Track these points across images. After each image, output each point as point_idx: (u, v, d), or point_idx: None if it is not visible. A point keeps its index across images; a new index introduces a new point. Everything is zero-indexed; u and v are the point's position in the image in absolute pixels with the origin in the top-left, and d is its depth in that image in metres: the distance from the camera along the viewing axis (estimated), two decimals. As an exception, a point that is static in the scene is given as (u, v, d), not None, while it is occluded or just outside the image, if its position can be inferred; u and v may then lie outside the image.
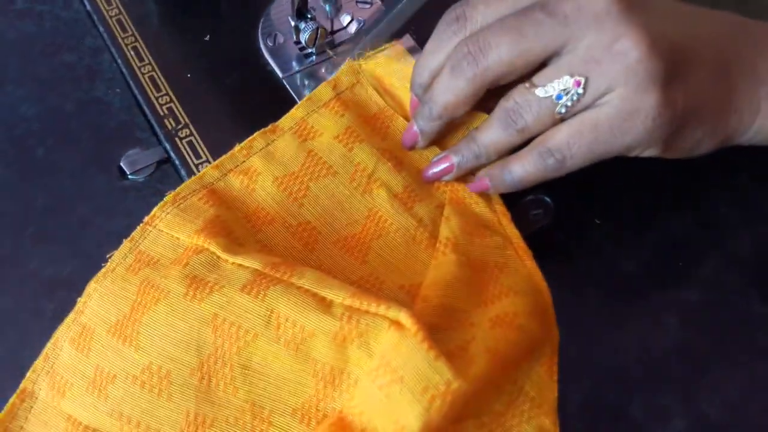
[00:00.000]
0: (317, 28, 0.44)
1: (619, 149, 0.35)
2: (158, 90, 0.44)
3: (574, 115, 0.35)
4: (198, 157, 0.41)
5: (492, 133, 0.36)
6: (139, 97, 0.44)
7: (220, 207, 0.37)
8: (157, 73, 0.45)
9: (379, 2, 0.49)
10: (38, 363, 0.35)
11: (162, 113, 0.43)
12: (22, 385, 0.35)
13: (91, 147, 0.42)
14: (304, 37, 0.44)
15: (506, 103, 0.36)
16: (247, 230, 0.37)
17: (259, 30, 0.47)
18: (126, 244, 0.37)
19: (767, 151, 0.41)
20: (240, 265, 0.34)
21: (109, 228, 0.40)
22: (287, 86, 0.45)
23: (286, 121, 0.40)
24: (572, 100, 0.34)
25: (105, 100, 0.44)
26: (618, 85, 0.33)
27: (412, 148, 0.40)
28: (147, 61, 0.45)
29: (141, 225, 0.37)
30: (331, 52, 0.46)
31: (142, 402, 0.33)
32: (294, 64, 0.46)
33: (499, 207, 0.39)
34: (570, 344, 0.36)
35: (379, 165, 0.39)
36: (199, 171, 0.41)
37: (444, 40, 0.37)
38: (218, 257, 0.35)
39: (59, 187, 0.41)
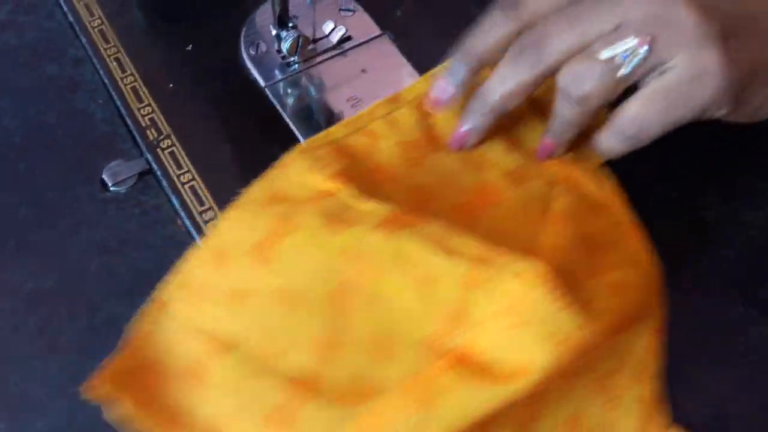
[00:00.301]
0: (298, 37, 0.44)
1: (693, 112, 0.35)
2: (140, 101, 0.44)
3: (639, 79, 0.35)
4: (180, 167, 0.41)
5: (562, 119, 0.37)
6: (121, 108, 0.44)
7: (346, 160, 0.39)
8: (139, 84, 0.45)
9: (362, 10, 0.49)
10: (172, 276, 0.37)
11: (144, 124, 0.43)
12: (156, 297, 0.36)
13: (73, 159, 0.42)
14: (285, 46, 0.44)
15: (565, 78, 0.35)
16: (370, 183, 0.38)
17: (242, 39, 0.47)
18: (256, 185, 0.38)
19: (748, 154, 0.41)
20: (371, 211, 0.36)
21: (91, 240, 0.40)
22: (270, 95, 0.45)
23: (409, 92, 0.42)
24: (638, 59, 0.34)
25: (87, 111, 0.44)
26: (679, 50, 0.34)
27: (461, 149, 0.40)
28: (129, 72, 0.45)
29: (271, 170, 0.38)
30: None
31: (275, 320, 0.35)
32: (277, 72, 0.46)
33: (610, 185, 0.40)
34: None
35: (492, 145, 0.40)
36: (181, 181, 0.41)
37: (498, 24, 0.37)
38: (349, 203, 0.36)
39: (41, 199, 0.41)
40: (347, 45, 0.47)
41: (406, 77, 0.46)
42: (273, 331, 0.35)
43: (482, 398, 0.32)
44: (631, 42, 0.34)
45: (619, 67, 0.34)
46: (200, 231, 0.39)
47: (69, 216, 0.40)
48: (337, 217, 0.36)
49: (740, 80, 0.34)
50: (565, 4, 0.36)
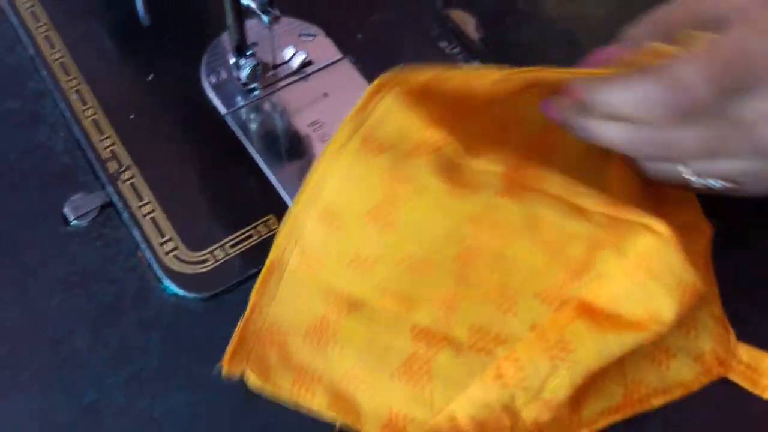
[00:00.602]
0: (257, 64, 0.44)
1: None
2: (101, 133, 0.44)
3: None
4: (140, 199, 0.42)
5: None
6: (82, 141, 0.44)
7: (433, 101, 0.37)
8: (100, 116, 0.45)
9: (323, 34, 0.49)
10: (282, 236, 0.37)
11: (105, 156, 0.43)
12: (269, 259, 0.37)
13: (35, 193, 0.42)
14: (243, 73, 0.44)
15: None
16: (456, 122, 0.37)
17: (202, 67, 0.47)
18: (345, 126, 0.36)
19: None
20: (486, 171, 0.36)
21: (53, 275, 0.40)
22: (231, 122, 0.45)
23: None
24: None
25: (48, 144, 0.44)
26: None
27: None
28: (90, 104, 0.45)
29: (355, 110, 0.37)
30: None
31: (401, 281, 0.36)
32: (238, 99, 0.46)
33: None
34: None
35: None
36: (141, 213, 0.41)
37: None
38: (459, 161, 0.36)
39: (2, 235, 0.41)
40: (309, 69, 0.48)
41: (368, 99, 0.47)
42: (399, 290, 0.36)
43: (613, 345, 0.35)
44: None
45: None
46: (161, 263, 0.40)
47: (31, 251, 0.41)
48: (455, 179, 0.35)
49: None
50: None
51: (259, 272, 0.39)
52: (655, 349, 0.37)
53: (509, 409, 0.35)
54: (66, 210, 0.41)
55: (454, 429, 0.35)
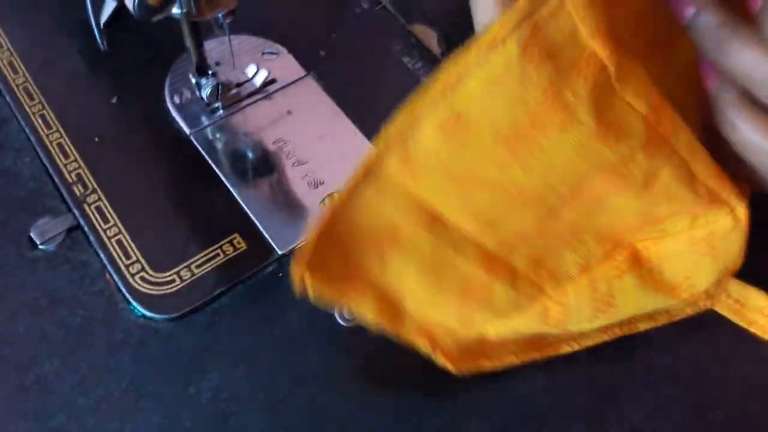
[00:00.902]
0: (218, 85, 0.44)
1: None
2: (66, 156, 0.44)
3: None
4: (106, 221, 0.42)
5: None
6: (48, 165, 0.44)
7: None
8: (65, 140, 0.45)
9: (286, 52, 0.50)
10: (389, 134, 0.31)
11: (70, 180, 0.43)
12: (367, 160, 0.32)
13: (1, 218, 0.43)
14: (205, 93, 0.44)
15: None
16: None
17: (166, 88, 0.47)
18: (504, 19, 0.28)
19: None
20: (631, 108, 0.31)
21: (21, 301, 0.40)
22: (195, 142, 0.45)
23: None
24: None
25: (13, 170, 0.44)
26: None
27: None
28: (55, 128, 0.46)
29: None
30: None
31: (496, 207, 0.34)
32: (203, 119, 0.47)
33: None
34: (477, 378, 0.37)
35: None
36: (107, 236, 0.41)
37: None
38: (613, 88, 0.30)
39: (-31, 262, 0.41)
40: (272, 87, 0.48)
41: (332, 116, 0.47)
42: (486, 214, 0.34)
43: (650, 304, 0.37)
44: None
45: None
46: (128, 285, 0.40)
47: (-2, 277, 0.41)
48: (606, 116, 0.31)
49: None
50: None
51: (226, 291, 0.40)
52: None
53: (536, 335, 0.37)
54: (33, 234, 0.42)
55: (479, 341, 0.37)
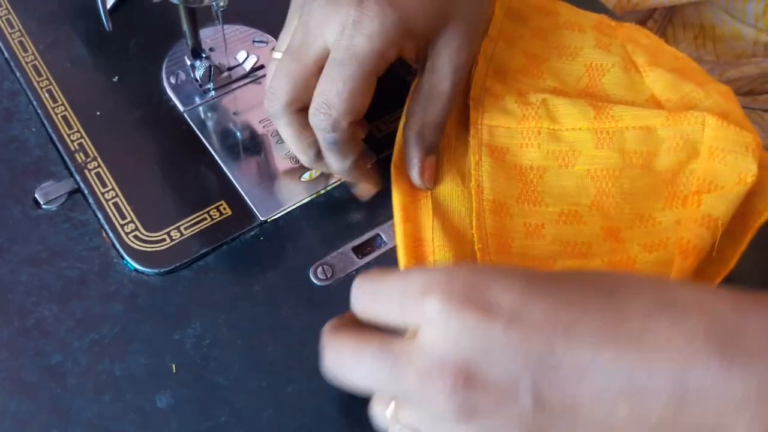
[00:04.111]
0: (210, 67, 0.49)
1: None
2: (70, 128, 0.49)
3: None
4: (105, 186, 0.46)
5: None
6: (53, 135, 0.48)
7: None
8: (69, 113, 0.49)
9: (274, 41, 0.54)
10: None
11: (73, 148, 0.48)
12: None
13: (8, 181, 0.47)
14: (198, 74, 0.49)
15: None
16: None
17: (163, 69, 0.52)
18: None
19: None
20: (575, 129, 0.47)
21: (24, 253, 0.44)
22: (188, 119, 0.50)
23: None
24: None
25: (21, 138, 0.49)
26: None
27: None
28: (60, 102, 0.50)
29: None
30: None
31: (566, 231, 0.45)
32: (196, 99, 0.51)
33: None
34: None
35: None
36: (105, 198, 0.45)
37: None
38: (556, 130, 0.47)
39: (-24, 219, 0.45)
40: (260, 73, 0.53)
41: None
42: (567, 237, 0.45)
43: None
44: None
45: None
46: (122, 242, 0.44)
47: (3, 232, 0.45)
48: (563, 157, 0.47)
49: None
50: None
51: (211, 251, 0.44)
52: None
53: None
54: (37, 195, 0.46)
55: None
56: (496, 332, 0.29)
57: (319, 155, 0.44)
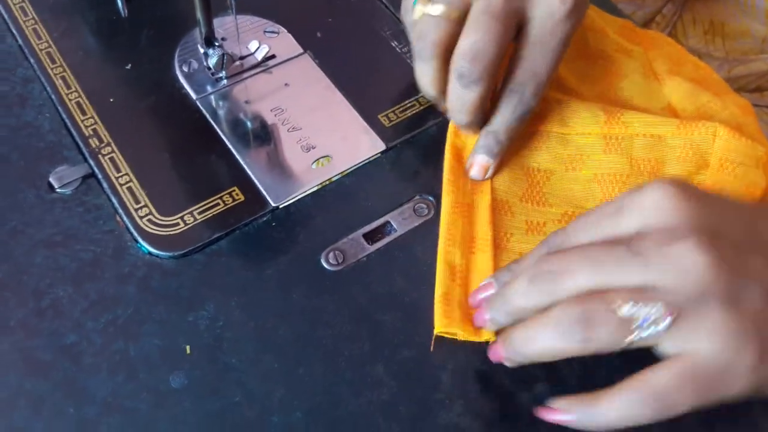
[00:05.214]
0: (223, 55, 0.49)
1: (721, 400, 0.34)
2: (84, 114, 0.49)
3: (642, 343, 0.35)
4: (118, 171, 0.47)
5: (547, 336, 0.35)
6: (67, 120, 0.49)
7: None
8: (83, 99, 0.50)
9: (285, 31, 0.55)
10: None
11: (87, 134, 0.48)
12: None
13: (23, 165, 0.47)
14: (211, 62, 0.49)
15: (576, 308, 0.34)
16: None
17: (176, 58, 0.52)
18: None
19: None
20: (584, 133, 0.47)
21: (38, 236, 0.44)
22: (201, 107, 0.50)
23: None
24: (659, 329, 0.33)
25: (35, 124, 0.49)
26: (707, 338, 0.33)
27: (481, 328, 0.41)
28: (74, 89, 0.50)
29: None
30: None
31: None
32: (208, 87, 0.51)
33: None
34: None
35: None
36: (119, 183, 0.46)
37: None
38: (565, 134, 0.47)
39: (-8, 201, 0.46)
40: (272, 62, 0.53)
41: (326, 89, 0.52)
42: None
43: None
44: (656, 310, 0.33)
45: (634, 329, 0.33)
46: (136, 226, 0.44)
47: (18, 215, 0.45)
48: (571, 160, 0.47)
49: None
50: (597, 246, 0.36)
51: (224, 236, 0.45)
52: None
53: None
54: (52, 179, 0.46)
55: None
56: (717, 206, 0.36)
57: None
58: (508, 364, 0.39)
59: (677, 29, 0.67)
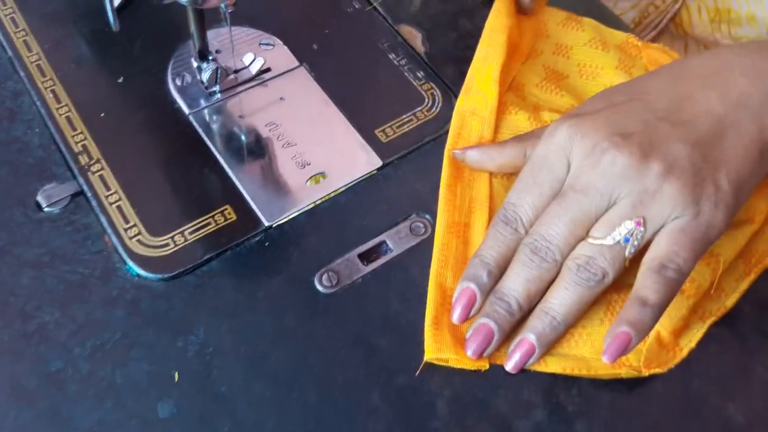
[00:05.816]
0: (217, 69, 0.48)
1: (712, 242, 0.40)
2: (74, 129, 0.48)
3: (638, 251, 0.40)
4: (108, 189, 0.45)
5: (572, 295, 0.40)
6: (56, 136, 0.48)
7: None
8: (73, 113, 0.49)
9: (281, 44, 0.53)
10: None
11: (76, 150, 0.47)
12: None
13: (10, 182, 0.46)
14: (205, 77, 0.48)
15: (576, 262, 0.40)
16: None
17: (169, 71, 0.51)
18: None
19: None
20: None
21: (26, 256, 0.43)
22: (193, 122, 0.49)
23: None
24: (638, 239, 0.39)
25: (23, 139, 0.48)
26: (672, 214, 0.39)
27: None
28: (64, 103, 0.49)
29: None
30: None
31: None
32: (201, 101, 0.50)
33: None
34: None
35: None
36: (108, 202, 0.45)
37: (501, 238, 0.42)
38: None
39: (-21, 221, 0.45)
40: (267, 76, 0.52)
41: (322, 103, 0.51)
42: None
43: (741, 239, 0.45)
44: (629, 225, 0.39)
45: (625, 245, 0.39)
46: (125, 246, 0.43)
47: (5, 234, 0.44)
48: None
49: (734, 207, 0.40)
50: (547, 203, 0.41)
51: (215, 256, 0.44)
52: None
53: None
54: (39, 197, 0.45)
55: None
56: (610, 110, 0.42)
57: None
58: (537, 350, 0.40)
59: (682, 18, 0.66)
